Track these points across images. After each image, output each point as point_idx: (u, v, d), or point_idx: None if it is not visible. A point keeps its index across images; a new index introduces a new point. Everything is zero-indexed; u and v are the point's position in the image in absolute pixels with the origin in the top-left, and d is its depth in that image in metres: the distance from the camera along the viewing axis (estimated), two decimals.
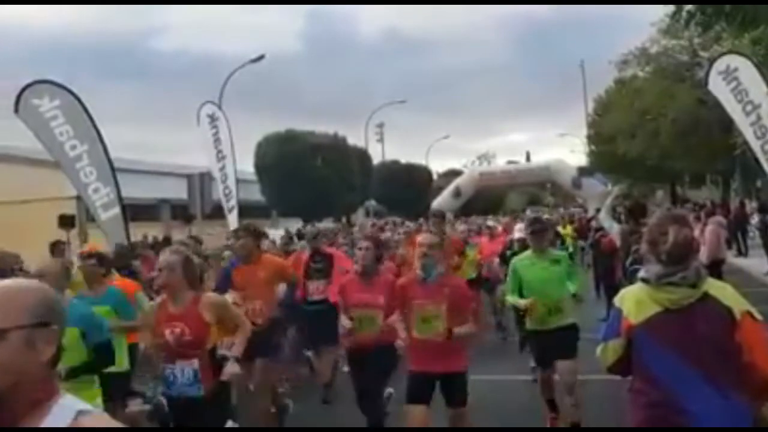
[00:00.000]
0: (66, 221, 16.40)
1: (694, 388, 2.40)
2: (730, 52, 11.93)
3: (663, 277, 2.47)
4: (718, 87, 10.90)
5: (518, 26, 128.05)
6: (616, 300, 2.69)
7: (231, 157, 14.39)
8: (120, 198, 9.87)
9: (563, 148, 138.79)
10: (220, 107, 15.37)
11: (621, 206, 8.07)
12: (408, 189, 40.43)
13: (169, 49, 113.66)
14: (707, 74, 11.29)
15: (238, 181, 14.49)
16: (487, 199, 44.97)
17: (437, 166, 59.12)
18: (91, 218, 11.38)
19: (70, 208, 17.84)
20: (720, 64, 10.94)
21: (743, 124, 10.69)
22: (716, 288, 2.52)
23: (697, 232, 10.82)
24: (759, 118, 10.36)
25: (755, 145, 10.51)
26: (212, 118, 14.39)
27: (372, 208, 42.36)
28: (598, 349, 2.70)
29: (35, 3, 56.96)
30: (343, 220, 32.41)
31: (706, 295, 2.46)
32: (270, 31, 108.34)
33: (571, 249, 12.73)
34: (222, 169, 14.25)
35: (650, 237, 2.58)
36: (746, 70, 10.56)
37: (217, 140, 14.31)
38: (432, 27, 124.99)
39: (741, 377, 2.40)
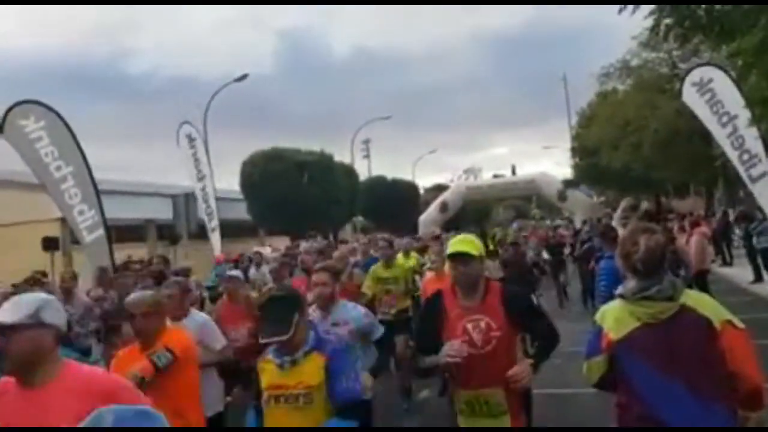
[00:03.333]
0: (50, 244, 16.18)
1: (677, 400, 2.41)
2: (706, 64, 12.07)
3: (639, 292, 2.49)
4: (692, 98, 11.02)
5: (494, 41, 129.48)
6: (597, 317, 2.70)
7: (210, 177, 14.43)
8: (104, 220, 9.77)
9: (548, 160, 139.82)
10: (197, 128, 15.54)
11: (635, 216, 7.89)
12: (395, 204, 40.42)
13: (148, 70, 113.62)
14: (681, 86, 11.43)
15: (218, 199, 14.51)
16: (473, 212, 45.07)
17: (424, 181, 59.05)
18: (76, 240, 11.25)
19: (54, 231, 17.65)
20: (693, 76, 11.05)
21: (720, 135, 10.78)
22: (694, 299, 2.53)
23: (682, 242, 10.96)
24: (735, 129, 10.43)
25: (733, 155, 10.58)
26: (190, 138, 14.46)
27: (359, 224, 42.29)
28: (584, 367, 2.71)
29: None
30: (330, 237, 32.30)
31: (683, 307, 2.46)
32: (244, 52, 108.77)
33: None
34: (203, 189, 14.28)
35: (623, 250, 2.58)
36: (721, 81, 10.64)
37: (196, 160, 14.37)
38: (405, 43, 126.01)
39: (723, 387, 2.40)
